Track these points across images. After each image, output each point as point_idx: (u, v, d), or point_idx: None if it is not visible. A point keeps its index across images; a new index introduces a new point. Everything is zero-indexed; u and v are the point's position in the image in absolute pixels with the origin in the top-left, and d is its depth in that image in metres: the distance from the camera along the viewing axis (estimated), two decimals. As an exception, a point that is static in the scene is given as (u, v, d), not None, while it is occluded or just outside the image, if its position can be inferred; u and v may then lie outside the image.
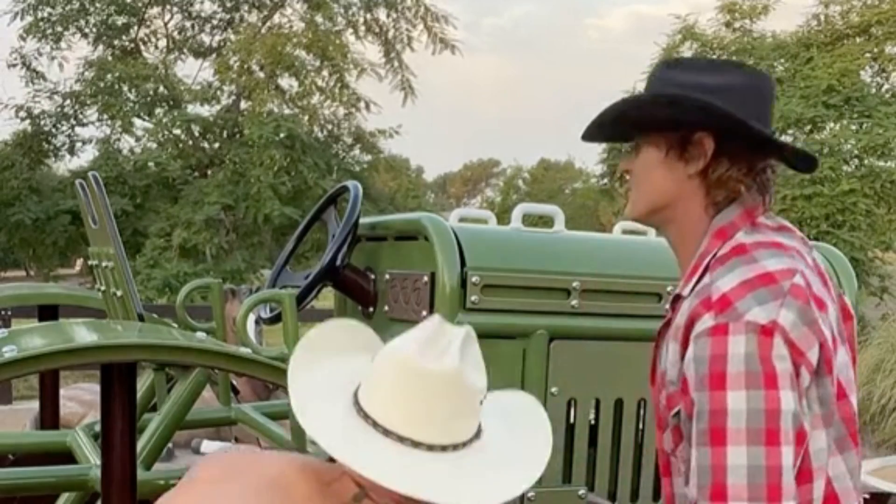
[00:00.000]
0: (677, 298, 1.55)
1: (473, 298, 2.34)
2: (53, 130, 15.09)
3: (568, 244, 2.55)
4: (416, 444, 1.25)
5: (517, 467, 1.32)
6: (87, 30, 15.34)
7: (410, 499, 1.24)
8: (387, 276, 2.53)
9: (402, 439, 1.25)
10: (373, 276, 2.61)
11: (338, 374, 1.36)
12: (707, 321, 1.39)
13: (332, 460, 1.29)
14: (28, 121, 14.83)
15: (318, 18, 15.00)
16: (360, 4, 15.32)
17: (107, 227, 2.62)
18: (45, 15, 14.84)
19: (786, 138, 13.48)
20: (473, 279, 2.34)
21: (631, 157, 1.62)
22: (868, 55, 13.77)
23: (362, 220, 2.59)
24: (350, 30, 15.34)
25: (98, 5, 15.20)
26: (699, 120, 1.51)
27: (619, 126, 1.61)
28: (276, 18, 15.83)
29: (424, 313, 2.37)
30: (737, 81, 1.53)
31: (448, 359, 1.27)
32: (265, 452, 1.49)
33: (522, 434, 1.39)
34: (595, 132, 1.64)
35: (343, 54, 14.63)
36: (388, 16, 15.41)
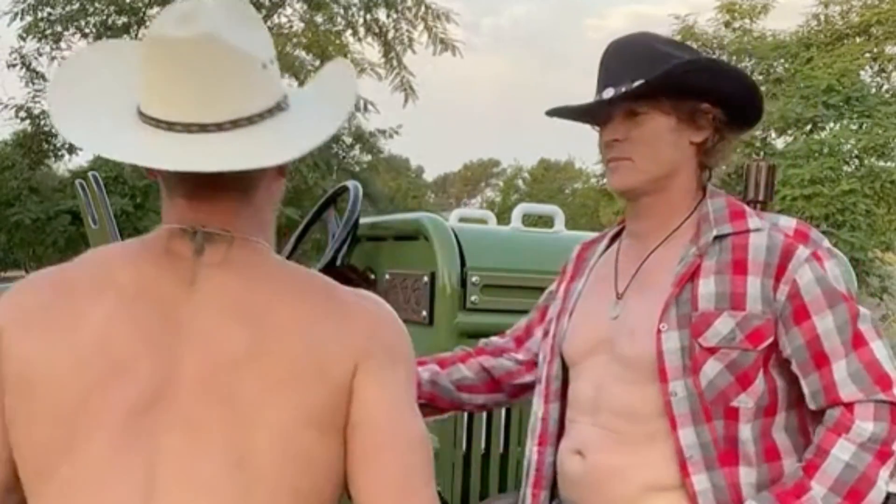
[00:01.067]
0: (716, 239, 1.59)
1: (473, 298, 2.34)
2: (53, 130, 15.09)
3: (568, 244, 2.55)
4: (169, 126, 1.07)
5: (316, 121, 1.14)
6: (86, 30, 15.33)
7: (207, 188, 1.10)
8: (387, 276, 2.54)
9: (157, 122, 1.08)
10: (373, 276, 2.62)
11: (104, 80, 1.16)
12: (802, 250, 1.53)
13: None
14: (28, 121, 14.83)
15: (318, 19, 15.00)
16: (359, 5, 15.32)
17: (107, 227, 2.62)
18: (45, 15, 14.84)
19: (786, 138, 13.52)
20: (473, 279, 2.34)
21: (628, 125, 1.60)
22: (868, 55, 13.79)
23: (362, 220, 2.59)
24: (350, 30, 15.35)
25: (98, 5, 15.20)
26: (731, 90, 1.59)
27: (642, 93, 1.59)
28: (276, 18, 15.84)
29: (424, 313, 2.37)
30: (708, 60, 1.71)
31: (195, 24, 1.06)
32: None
33: (328, 93, 1.20)
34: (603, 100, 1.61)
35: (343, 54, 14.63)
36: (387, 16, 15.42)
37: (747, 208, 1.64)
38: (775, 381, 1.55)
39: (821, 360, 1.50)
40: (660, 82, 1.54)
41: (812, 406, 1.52)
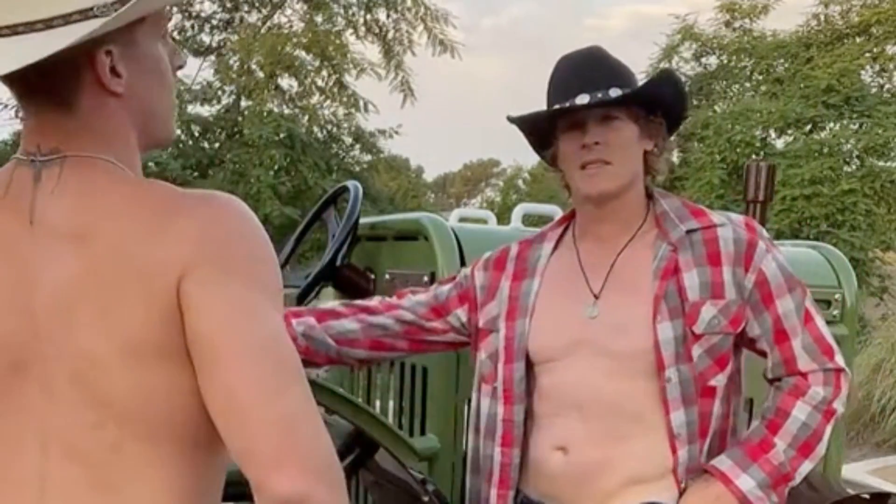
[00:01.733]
0: (686, 234, 1.73)
1: (473, 298, 2.34)
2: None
3: (568, 244, 2.54)
4: None
5: None
6: (87, 30, 15.31)
7: None
8: (387, 276, 2.54)
9: None
10: (373, 276, 2.61)
11: None
12: (761, 242, 1.72)
13: None
14: (28, 121, 14.82)
15: (318, 18, 15.00)
16: (359, 5, 15.31)
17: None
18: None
19: (786, 138, 13.53)
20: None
21: (606, 130, 1.68)
22: (868, 55, 13.78)
23: (362, 220, 2.59)
24: (350, 30, 15.34)
25: (98, 5, 15.18)
26: (679, 101, 1.78)
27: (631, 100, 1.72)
28: (276, 18, 15.84)
29: (424, 313, 2.37)
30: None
31: None
32: None
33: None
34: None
35: (343, 54, 14.63)
36: (387, 16, 15.41)
37: (699, 206, 1.82)
38: (738, 360, 1.76)
39: (782, 336, 1.71)
40: (641, 92, 1.68)
41: (770, 375, 1.75)
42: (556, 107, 1.70)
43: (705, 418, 1.69)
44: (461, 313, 1.90)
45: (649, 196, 1.80)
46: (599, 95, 1.65)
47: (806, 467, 1.69)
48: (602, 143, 1.68)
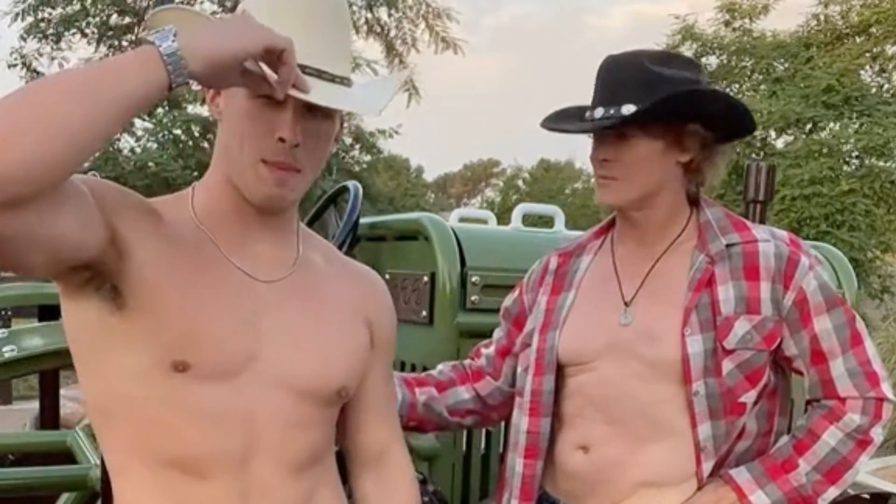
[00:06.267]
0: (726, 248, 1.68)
1: (473, 298, 2.34)
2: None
3: (568, 244, 2.54)
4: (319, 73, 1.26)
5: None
6: (87, 31, 15.33)
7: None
8: (387, 276, 2.53)
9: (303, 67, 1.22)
10: (373, 276, 2.61)
11: None
12: (805, 259, 1.66)
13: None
14: (28, 121, 14.81)
15: (318, 18, 14.98)
16: (361, 4, 15.30)
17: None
18: (46, 16, 14.84)
19: (786, 138, 13.52)
20: (473, 279, 2.34)
21: (618, 146, 1.64)
22: (868, 55, 13.79)
23: (362, 220, 2.59)
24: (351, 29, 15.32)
25: (99, 6, 15.19)
26: (717, 111, 1.65)
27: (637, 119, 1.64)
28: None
29: (424, 313, 2.37)
30: (700, 77, 1.70)
31: None
32: None
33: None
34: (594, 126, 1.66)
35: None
36: (389, 15, 15.41)
37: (745, 220, 1.76)
38: (771, 379, 1.69)
39: (819, 357, 1.65)
40: (649, 110, 1.60)
41: (808, 396, 1.69)
42: (563, 129, 1.70)
43: (733, 434, 1.64)
44: (517, 347, 1.89)
45: (693, 203, 1.75)
46: (612, 111, 1.62)
47: (831, 493, 1.64)
48: (612, 160, 1.65)
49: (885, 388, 1.65)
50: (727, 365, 1.62)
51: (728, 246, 1.68)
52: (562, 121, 1.74)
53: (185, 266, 1.25)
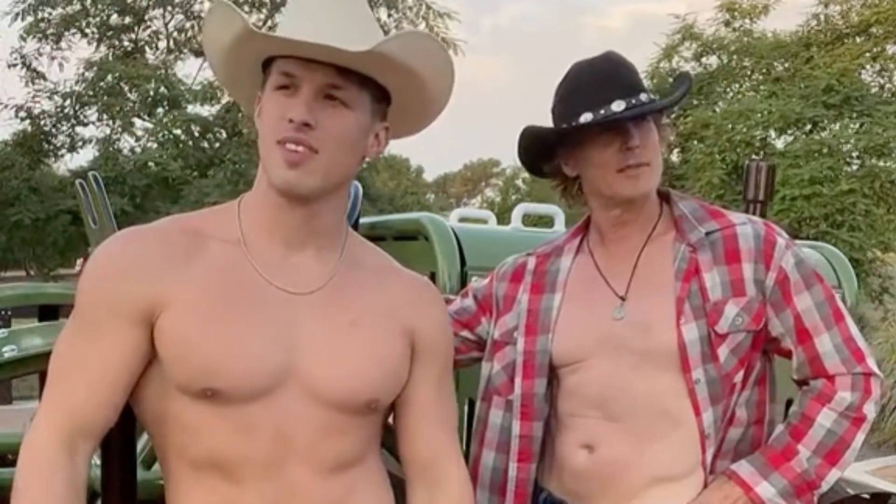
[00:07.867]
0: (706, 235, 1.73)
1: (473, 298, 2.34)
2: (53, 130, 15.09)
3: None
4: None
5: None
6: (87, 31, 15.34)
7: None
8: (387, 276, 2.53)
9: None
10: (373, 276, 2.61)
11: None
12: (780, 239, 1.70)
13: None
14: (28, 121, 14.82)
15: (319, 18, 14.99)
16: (360, 4, 15.29)
17: (106, 227, 2.62)
18: (46, 15, 14.85)
19: (786, 138, 13.52)
20: (473, 279, 2.34)
21: (641, 131, 1.68)
22: (868, 55, 13.78)
23: (362, 220, 2.59)
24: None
25: (99, 6, 15.20)
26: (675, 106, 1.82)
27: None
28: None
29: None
30: None
31: None
32: None
33: None
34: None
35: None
36: (388, 15, 15.42)
37: (719, 208, 1.81)
38: (757, 358, 1.72)
39: (804, 335, 1.68)
40: (676, 101, 1.74)
41: (796, 376, 1.72)
42: (600, 115, 1.66)
43: (725, 417, 1.67)
44: (486, 323, 1.89)
45: (662, 196, 1.80)
46: (634, 101, 1.65)
47: (834, 475, 1.66)
48: (642, 146, 1.68)
49: (871, 364, 1.68)
50: (723, 351, 1.66)
51: (707, 234, 1.72)
52: (574, 117, 1.70)
53: (213, 299, 1.31)
